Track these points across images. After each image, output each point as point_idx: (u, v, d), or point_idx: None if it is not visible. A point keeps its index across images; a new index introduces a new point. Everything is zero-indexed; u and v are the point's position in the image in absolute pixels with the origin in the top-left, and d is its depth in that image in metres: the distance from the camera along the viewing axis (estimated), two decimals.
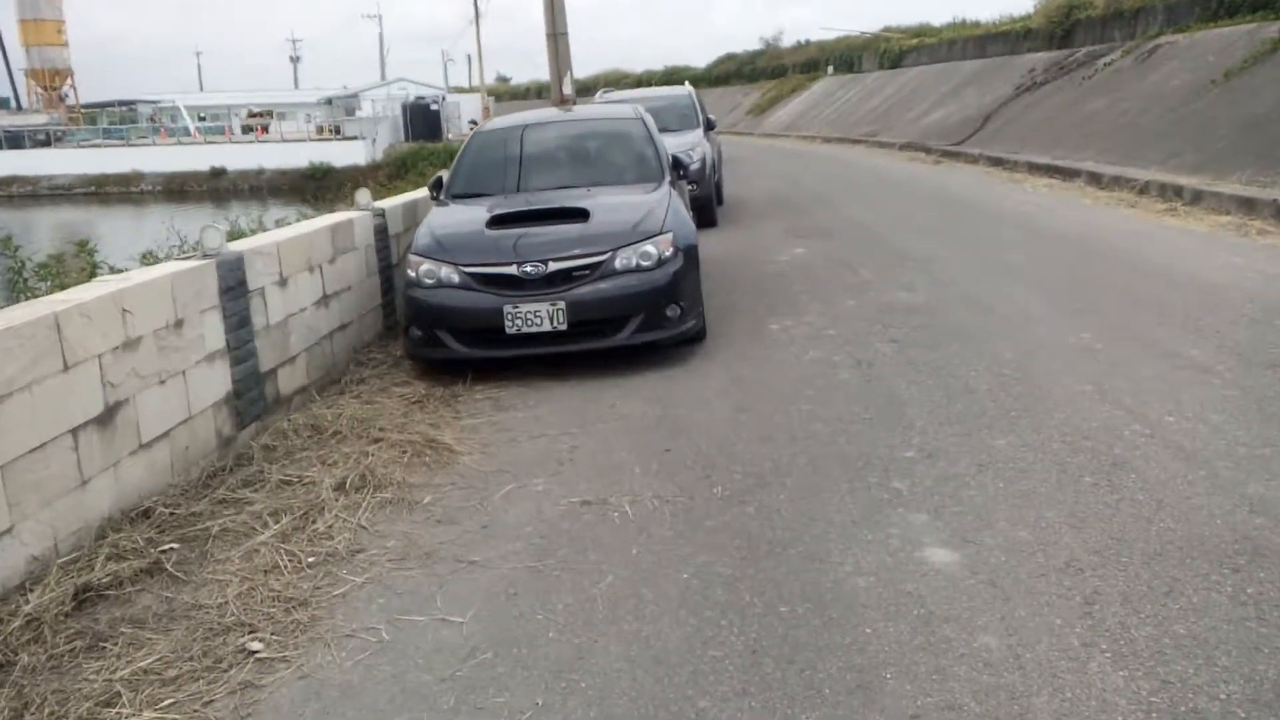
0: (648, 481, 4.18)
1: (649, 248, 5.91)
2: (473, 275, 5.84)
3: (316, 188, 40.96)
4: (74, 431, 3.83)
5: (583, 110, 9.38)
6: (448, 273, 5.89)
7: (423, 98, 54.60)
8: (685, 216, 6.60)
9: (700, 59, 59.77)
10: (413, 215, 7.91)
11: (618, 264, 5.84)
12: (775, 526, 3.64)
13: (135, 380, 4.23)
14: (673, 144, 10.51)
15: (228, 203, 44.21)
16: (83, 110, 72.25)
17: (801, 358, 5.92)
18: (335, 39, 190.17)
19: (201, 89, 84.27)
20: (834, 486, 3.97)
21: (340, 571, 3.55)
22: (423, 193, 8.35)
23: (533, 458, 4.60)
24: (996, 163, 18.46)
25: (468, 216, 6.50)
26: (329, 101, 66.37)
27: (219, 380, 4.93)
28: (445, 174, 7.51)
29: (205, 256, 4.98)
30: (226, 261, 5.04)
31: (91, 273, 6.36)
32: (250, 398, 5.21)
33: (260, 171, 49.79)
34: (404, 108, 52.13)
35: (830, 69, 41.83)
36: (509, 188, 7.08)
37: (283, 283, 5.64)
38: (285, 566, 3.58)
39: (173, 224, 11.55)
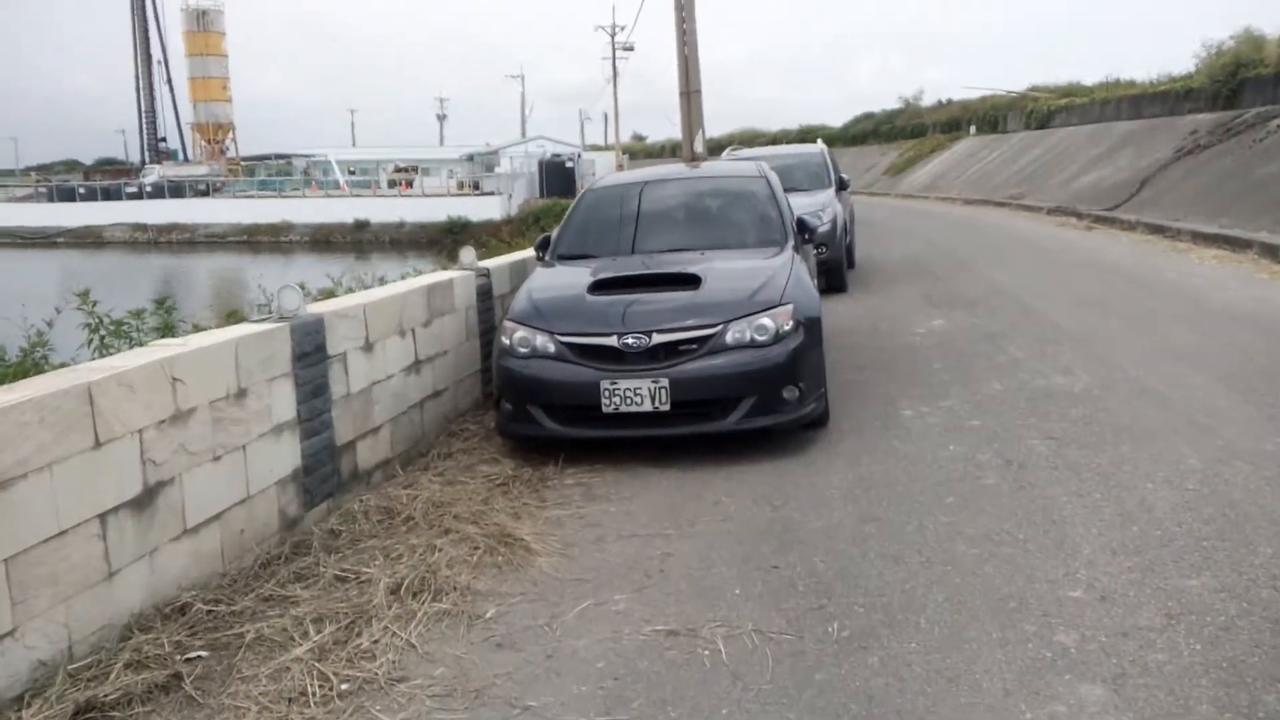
0: (749, 608, 3.49)
1: (766, 320, 5.26)
2: (569, 345, 5.31)
3: (454, 241, 41.94)
4: (103, 517, 3.41)
5: (704, 167, 8.85)
6: (543, 342, 5.37)
7: (559, 155, 55.58)
8: (809, 285, 5.93)
9: (837, 118, 59.06)
10: (520, 275, 7.47)
11: (729, 338, 5.21)
12: (905, 690, 2.90)
13: (183, 457, 3.82)
14: (801, 204, 9.87)
15: (369, 254, 45.67)
16: (242, 162, 76.62)
17: (939, 453, 5.13)
18: (481, 98, 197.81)
19: (354, 144, 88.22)
20: (981, 635, 3.19)
21: (374, 708, 2.98)
22: (532, 252, 7.94)
23: (618, 565, 3.97)
24: (1156, 230, 17.10)
25: (570, 280, 6.00)
26: (470, 158, 68.51)
27: (287, 455, 4.50)
28: (554, 232, 7.06)
29: (281, 319, 4.59)
30: (304, 325, 4.63)
31: (165, 334, 6.08)
32: (322, 474, 4.77)
33: (401, 225, 51.41)
34: (540, 164, 53.12)
35: (973, 128, 40.53)
36: (619, 249, 6.56)
37: (368, 348, 5.23)
38: (314, 695, 3.04)
39: (302, 274, 11.52)
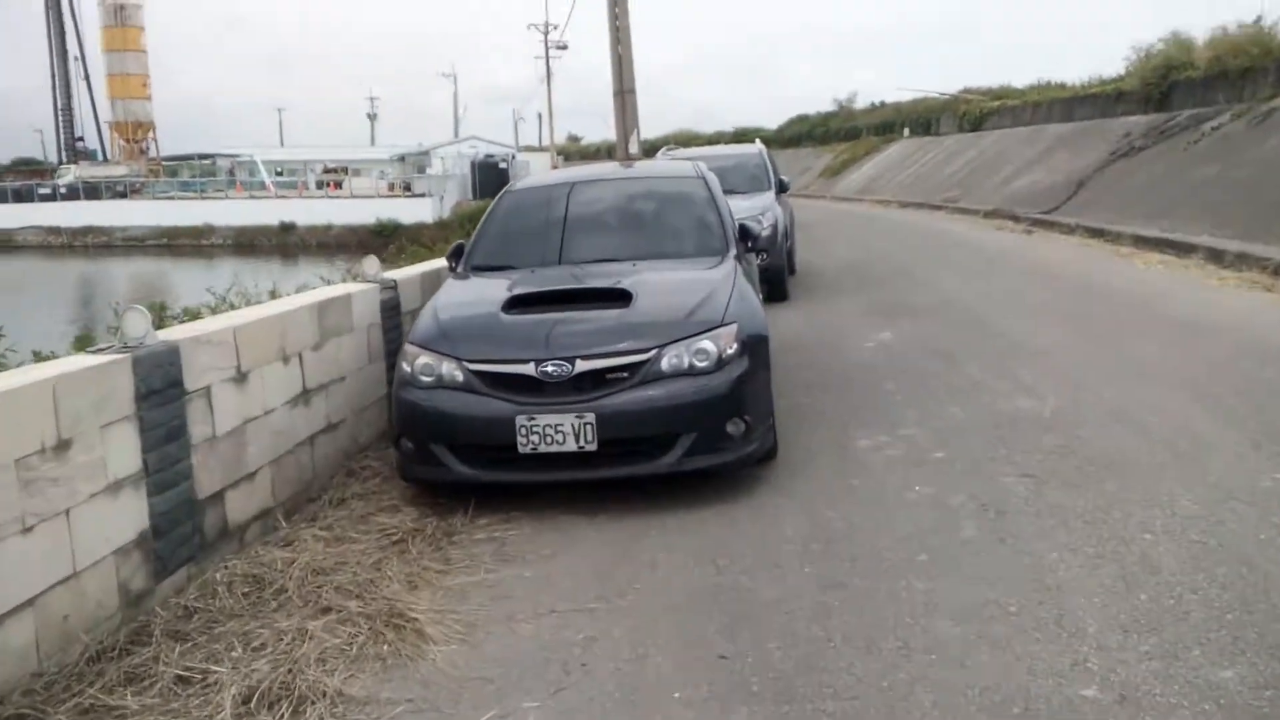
0: None
1: (706, 344, 4.58)
2: (480, 374, 4.57)
3: (385, 244, 40.68)
4: None
5: (637, 167, 8.13)
6: (450, 370, 4.62)
7: (492, 155, 54.54)
8: (754, 300, 5.27)
9: (771, 121, 58.88)
10: (434, 287, 6.70)
11: (665, 364, 4.52)
12: None
13: None
14: (741, 208, 9.26)
15: (295, 258, 44.22)
16: (163, 163, 74.11)
17: (904, 495, 4.50)
18: (414, 98, 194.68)
19: (282, 144, 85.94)
20: None
21: None
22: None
23: (531, 655, 3.24)
24: (1096, 233, 16.87)
25: (483, 296, 5.26)
26: (402, 159, 67.19)
27: (129, 516, 3.70)
28: (469, 240, 6.30)
29: (124, 349, 3.79)
30: (152, 356, 3.83)
31: None
32: (178, 536, 3.96)
33: (329, 227, 49.94)
34: (473, 165, 52.03)
35: (906, 131, 40.54)
36: (543, 259, 5.83)
37: (241, 378, 4.43)
38: None
39: (215, 279, 10.55)
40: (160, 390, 3.87)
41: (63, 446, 3.36)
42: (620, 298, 4.90)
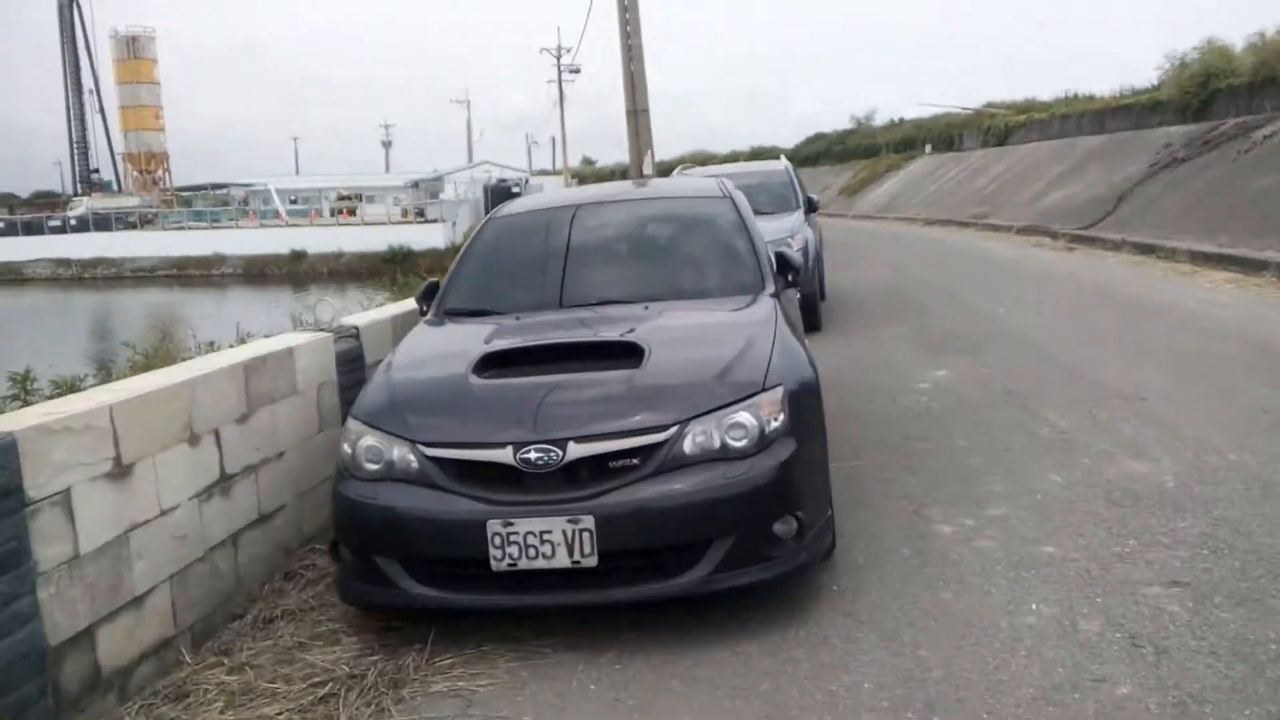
0: None
1: (744, 416, 3.41)
2: (441, 462, 3.41)
3: (397, 271, 39.70)
4: None
5: (652, 186, 6.90)
6: (402, 455, 3.46)
7: (504, 180, 53.79)
8: (800, 351, 4.05)
9: (788, 141, 57.87)
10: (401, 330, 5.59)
11: (689, 446, 3.35)
12: None
13: None
14: (768, 230, 8.11)
15: (306, 286, 43.34)
16: (177, 193, 73.75)
17: (1018, 620, 3.31)
18: (428, 124, 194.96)
19: (297, 173, 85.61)
20: None
21: None
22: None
23: None
24: (1146, 250, 15.66)
25: (452, 350, 4.11)
26: (415, 185, 66.61)
27: None
28: (446, 277, 5.16)
29: None
30: None
31: None
32: (15, 702, 2.83)
33: (339, 255, 49.17)
34: (485, 190, 51.27)
35: (928, 147, 39.42)
36: (536, 301, 4.67)
37: (121, 473, 3.31)
38: None
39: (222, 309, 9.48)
40: None
41: None
42: (629, 353, 3.74)
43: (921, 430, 5.79)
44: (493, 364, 3.79)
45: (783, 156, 14.14)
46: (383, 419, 3.58)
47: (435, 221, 51.31)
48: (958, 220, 26.58)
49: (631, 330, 3.94)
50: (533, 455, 3.29)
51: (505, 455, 3.31)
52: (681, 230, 5.15)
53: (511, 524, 3.22)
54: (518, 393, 3.57)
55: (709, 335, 4.01)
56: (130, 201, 68.00)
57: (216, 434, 3.86)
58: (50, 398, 4.55)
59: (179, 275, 51.07)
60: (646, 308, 4.30)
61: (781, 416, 3.45)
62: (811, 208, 11.42)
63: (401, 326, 5.61)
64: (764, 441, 3.39)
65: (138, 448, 3.38)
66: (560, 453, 3.29)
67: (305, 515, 4.52)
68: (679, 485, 3.26)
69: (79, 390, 4.10)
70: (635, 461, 3.31)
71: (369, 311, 5.87)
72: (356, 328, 5.14)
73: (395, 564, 3.38)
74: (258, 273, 49.79)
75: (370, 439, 3.53)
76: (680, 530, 3.26)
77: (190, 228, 57.56)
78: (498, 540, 3.22)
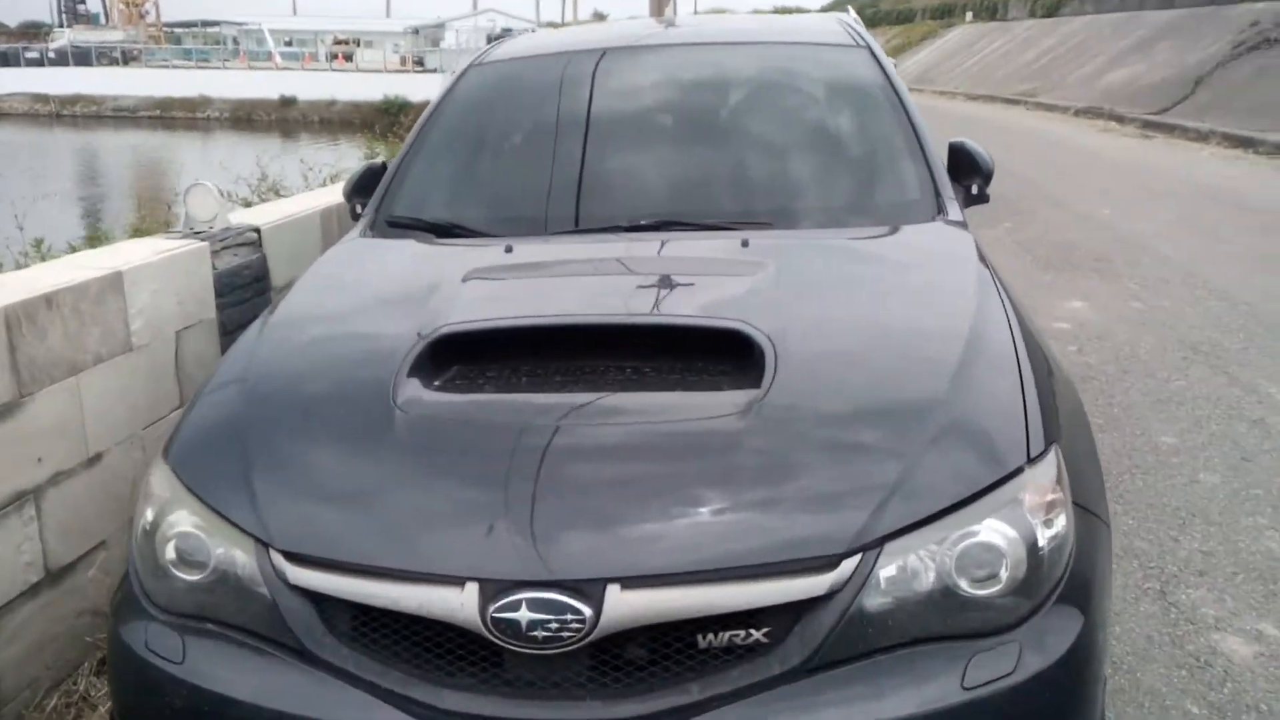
0: None
1: (997, 528, 1.53)
2: (322, 602, 1.56)
3: (391, 121, 37.17)
4: None
5: (721, 24, 4.20)
6: (246, 566, 1.61)
7: (510, 29, 50.42)
8: (1045, 351, 2.07)
9: (812, 3, 54.19)
10: (334, 233, 3.68)
11: (878, 598, 1.48)
12: None
13: None
14: None
15: (296, 135, 40.80)
16: (165, 29, 69.84)
17: None
18: None
19: (295, 13, 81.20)
20: None
21: None
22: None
23: None
24: (1243, 143, 13.59)
25: (379, 315, 2.24)
26: (415, 31, 63.28)
27: None
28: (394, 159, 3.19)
29: None
30: None
31: None
32: None
33: (332, 103, 46.40)
34: (489, 39, 48.06)
35: (969, 15, 36.44)
36: (535, 217, 2.68)
37: None
38: None
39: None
40: None
41: None
42: (728, 350, 1.86)
43: (1091, 407, 3.98)
44: (453, 356, 1.92)
45: (850, 8, 11.80)
46: (213, 480, 1.73)
47: (434, 71, 48.32)
48: (1003, 97, 24.34)
49: (724, 295, 2.05)
50: (523, 615, 1.46)
51: (461, 606, 1.48)
52: (786, 99, 3.09)
53: None
54: (496, 442, 1.70)
55: (885, 311, 2.07)
56: (114, 36, 64.23)
57: None
58: None
59: (162, 117, 48.27)
60: (746, 244, 2.38)
61: (1063, 518, 1.62)
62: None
63: (342, 223, 3.74)
64: (1038, 583, 1.56)
65: None
66: (588, 611, 1.45)
67: None
68: (867, 698, 1.44)
69: None
70: (761, 637, 1.49)
71: (284, 201, 3.93)
72: (258, 230, 3.26)
73: None
74: (245, 118, 47.06)
75: (187, 517, 1.70)
76: None
77: (177, 66, 54.33)
78: None
